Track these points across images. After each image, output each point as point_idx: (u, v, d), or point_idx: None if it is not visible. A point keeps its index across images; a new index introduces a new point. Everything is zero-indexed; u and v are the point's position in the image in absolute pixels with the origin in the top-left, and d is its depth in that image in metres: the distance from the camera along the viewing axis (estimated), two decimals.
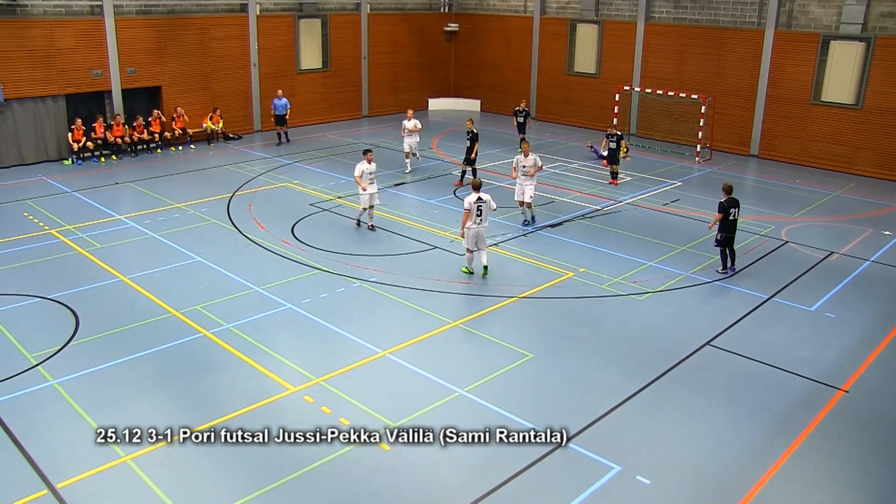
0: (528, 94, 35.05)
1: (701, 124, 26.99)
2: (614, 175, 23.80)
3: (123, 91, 27.35)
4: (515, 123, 28.03)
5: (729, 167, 26.52)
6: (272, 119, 29.53)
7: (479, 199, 15.39)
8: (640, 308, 14.56)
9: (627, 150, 26.88)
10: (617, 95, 29.01)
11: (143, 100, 28.08)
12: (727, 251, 16.18)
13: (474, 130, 22.35)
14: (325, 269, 16.06)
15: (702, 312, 14.50)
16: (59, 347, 12.68)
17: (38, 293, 14.71)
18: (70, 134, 25.86)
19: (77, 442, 10.15)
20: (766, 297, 15.07)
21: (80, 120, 25.85)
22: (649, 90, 29.62)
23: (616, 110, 28.98)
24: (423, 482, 9.36)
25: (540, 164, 19.04)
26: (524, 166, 18.65)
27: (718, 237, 15.99)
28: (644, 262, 16.67)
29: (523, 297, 14.79)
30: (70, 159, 26.00)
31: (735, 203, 15.91)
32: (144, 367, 12.09)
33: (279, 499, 9.01)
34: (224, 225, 19.07)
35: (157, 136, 27.43)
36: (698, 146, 27.31)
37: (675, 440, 10.37)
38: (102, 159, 26.14)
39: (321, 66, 33.29)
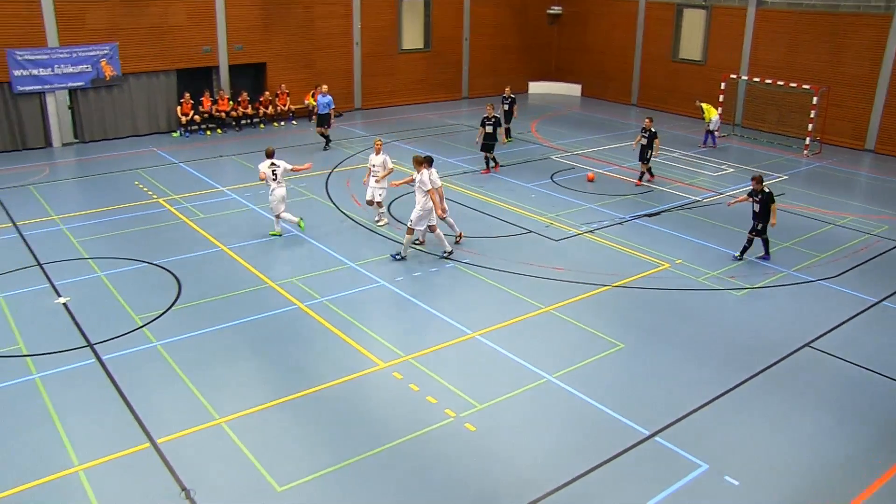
0: (630, 79, 34.38)
1: (812, 116, 25.87)
2: (642, 175, 21.52)
3: (230, 67, 28.19)
4: (502, 111, 25.69)
5: (840, 162, 25.35)
6: (314, 117, 26.48)
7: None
8: (737, 304, 14.13)
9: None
10: (723, 84, 28.11)
11: (248, 76, 28.91)
12: (757, 240, 15.97)
13: (496, 115, 22.19)
14: (418, 248, 16.20)
15: (802, 312, 13.94)
16: (163, 311, 13.25)
17: (145, 258, 15.39)
18: (179, 107, 26.89)
19: (176, 401, 10.61)
20: (875, 300, 14.37)
21: (188, 94, 26.84)
22: (757, 79, 28.56)
23: (721, 99, 28.11)
24: (506, 465, 9.36)
25: (390, 166, 17.29)
26: (374, 165, 17.25)
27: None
28: (744, 257, 16.15)
29: (617, 287, 14.57)
30: (178, 132, 27.03)
31: (758, 193, 15.64)
32: (241, 335, 12.50)
33: (362, 472, 9.17)
34: (322, 200, 19.47)
35: (261, 111, 28.21)
36: (807, 139, 26.19)
37: (769, 443, 10.03)
38: (208, 132, 27.07)
39: (422, 47, 33.46)
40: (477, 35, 34.89)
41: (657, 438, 9.89)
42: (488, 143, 22.14)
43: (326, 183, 20.99)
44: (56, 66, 24.97)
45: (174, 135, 26.97)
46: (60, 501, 8.70)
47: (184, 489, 8.82)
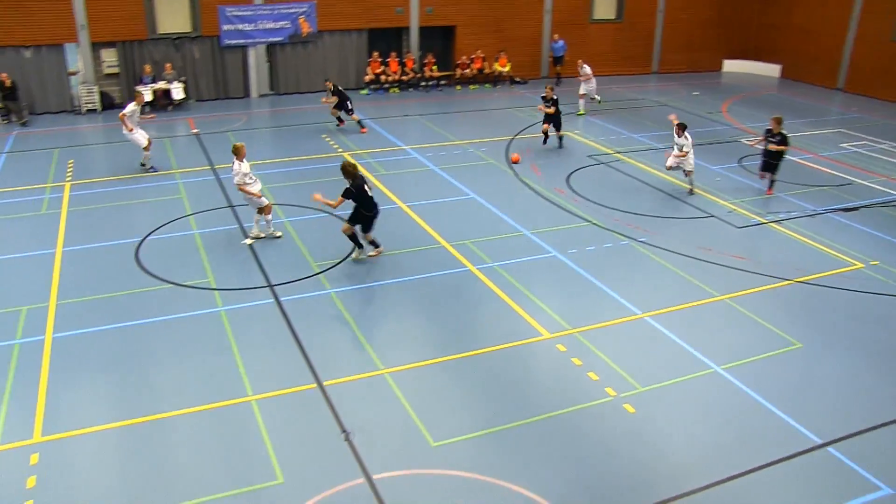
0: (838, 61, 31.78)
1: None
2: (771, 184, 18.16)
3: (420, 29, 28.68)
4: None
5: None
6: (550, 60, 30.65)
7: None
8: None
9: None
10: None
11: (437, 38, 29.31)
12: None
13: (554, 97, 20.79)
14: (595, 221, 15.90)
15: None
16: (339, 260, 13.81)
17: (326, 209, 16.04)
18: (368, 66, 27.74)
19: (344, 347, 11.07)
20: None
21: (377, 53, 27.63)
22: None
23: None
24: (663, 451, 9.05)
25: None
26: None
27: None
28: None
29: (800, 282, 13.64)
30: (366, 89, 27.90)
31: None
32: (411, 291, 12.81)
33: (516, 439, 9.17)
34: (501, 166, 19.49)
35: (458, 73, 28.52)
36: None
37: None
38: (396, 90, 27.75)
39: (614, 17, 32.53)
40: (673, 7, 33.43)
41: (830, 449, 9.20)
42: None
43: (507, 149, 20.96)
44: (259, 21, 26.43)
45: (362, 92, 27.87)
46: (234, 424, 9.35)
47: (344, 431, 9.19)
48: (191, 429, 9.33)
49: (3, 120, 24.10)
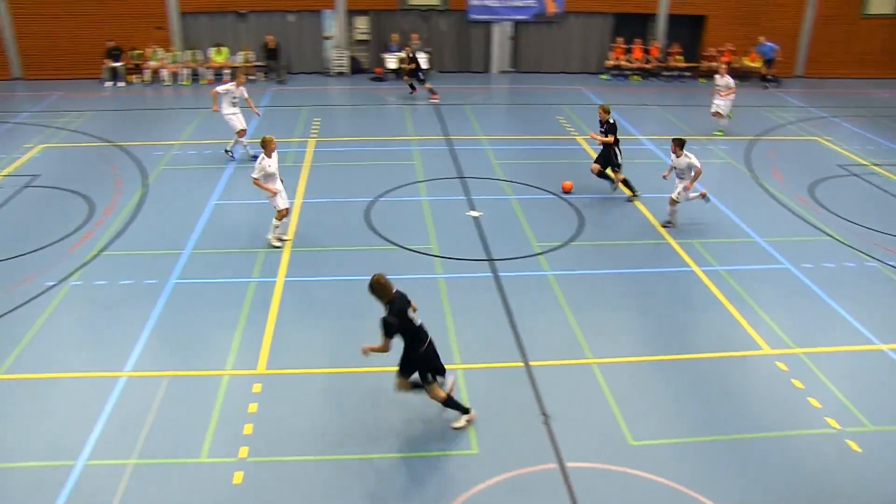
0: None
1: None
2: None
3: (669, 16, 27.64)
4: None
5: None
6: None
7: None
8: None
9: None
10: None
11: (685, 27, 28.06)
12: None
13: (610, 120, 16.05)
14: (838, 237, 14.63)
15: None
16: (561, 244, 13.76)
17: (554, 191, 16.04)
18: (611, 51, 27.23)
19: (555, 331, 11.03)
20: None
21: (621, 39, 27.05)
22: None
23: None
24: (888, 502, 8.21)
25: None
26: None
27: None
28: None
29: None
30: (606, 74, 27.44)
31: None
32: (629, 284, 12.50)
33: (717, 452, 8.71)
34: (739, 167, 18.44)
35: (703, 64, 27.34)
36: None
37: None
38: (637, 78, 27.06)
39: (892, 12, 29.26)
40: None
41: None
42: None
43: (749, 150, 19.77)
44: None
45: (602, 77, 27.46)
46: None
47: (544, 413, 9.19)
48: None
49: (265, 77, 26.50)
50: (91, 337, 10.88)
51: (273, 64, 26.49)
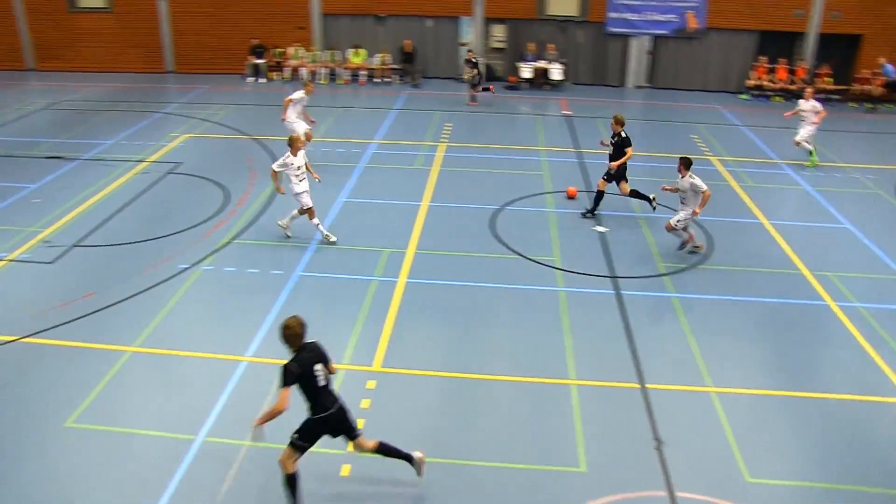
0: None
1: None
2: None
3: (819, 36, 26.29)
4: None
5: None
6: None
7: None
8: None
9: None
10: None
11: (837, 47, 26.53)
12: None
13: (623, 133, 15.16)
14: None
15: None
16: (687, 266, 13.32)
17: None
18: (753, 70, 26.21)
19: (675, 355, 10.68)
20: None
21: (765, 58, 25.99)
22: None
23: None
24: None
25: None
26: None
27: None
28: None
29: None
30: (746, 94, 26.43)
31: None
32: (756, 313, 11.95)
33: (842, 502, 8.17)
34: (888, 198, 17.28)
35: (855, 87, 25.89)
36: None
37: None
38: (779, 99, 25.91)
39: None
40: None
41: None
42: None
43: None
44: (646, 12, 26.24)
45: (741, 96, 26.47)
46: (550, 402, 9.61)
47: (657, 439, 8.91)
48: (508, 396, 9.73)
49: (399, 80, 27.09)
50: (217, 320, 11.41)
51: (409, 67, 27.10)
